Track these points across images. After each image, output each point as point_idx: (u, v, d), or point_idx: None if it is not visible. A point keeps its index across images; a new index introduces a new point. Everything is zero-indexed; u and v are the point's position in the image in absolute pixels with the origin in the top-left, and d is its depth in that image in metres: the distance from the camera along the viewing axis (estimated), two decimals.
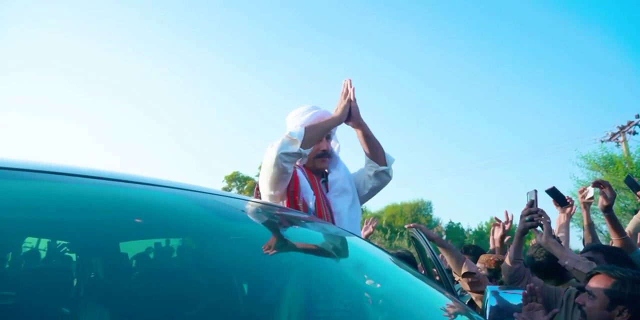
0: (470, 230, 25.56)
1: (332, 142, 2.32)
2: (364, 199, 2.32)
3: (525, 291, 1.76)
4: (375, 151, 2.21)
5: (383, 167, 2.22)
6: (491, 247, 3.15)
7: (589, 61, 39.46)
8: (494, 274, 2.83)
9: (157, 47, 45.47)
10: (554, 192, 2.47)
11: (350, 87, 2.12)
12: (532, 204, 2.00)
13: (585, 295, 1.59)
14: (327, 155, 2.19)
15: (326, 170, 2.26)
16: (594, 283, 1.57)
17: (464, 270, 2.52)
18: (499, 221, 2.92)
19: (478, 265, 2.84)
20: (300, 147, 1.95)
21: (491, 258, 2.91)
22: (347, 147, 2.50)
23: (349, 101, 2.09)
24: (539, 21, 41.88)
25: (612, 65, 37.27)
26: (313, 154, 2.15)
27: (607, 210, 2.36)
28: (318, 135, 2.06)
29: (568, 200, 2.74)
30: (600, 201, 2.37)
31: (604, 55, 38.57)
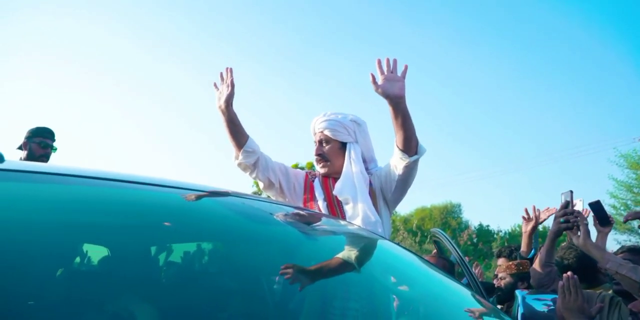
0: (501, 231, 24.86)
1: (352, 145, 2.13)
2: (398, 194, 2.11)
3: (563, 283, 1.62)
4: (410, 137, 1.95)
5: (414, 157, 1.97)
6: (523, 248, 2.99)
7: (621, 58, 37.84)
8: (520, 278, 2.71)
9: (192, 51, 46.22)
10: (597, 207, 2.11)
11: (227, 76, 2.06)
12: (567, 204, 1.92)
13: None
14: (321, 160, 2.15)
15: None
16: None
17: None
18: (528, 214, 2.84)
19: (500, 274, 2.74)
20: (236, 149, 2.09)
21: (510, 263, 2.83)
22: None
23: (215, 86, 2.08)
24: (562, 21, 40.49)
25: None
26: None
27: None
28: (226, 130, 2.08)
29: (610, 220, 2.43)
30: None
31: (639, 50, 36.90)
